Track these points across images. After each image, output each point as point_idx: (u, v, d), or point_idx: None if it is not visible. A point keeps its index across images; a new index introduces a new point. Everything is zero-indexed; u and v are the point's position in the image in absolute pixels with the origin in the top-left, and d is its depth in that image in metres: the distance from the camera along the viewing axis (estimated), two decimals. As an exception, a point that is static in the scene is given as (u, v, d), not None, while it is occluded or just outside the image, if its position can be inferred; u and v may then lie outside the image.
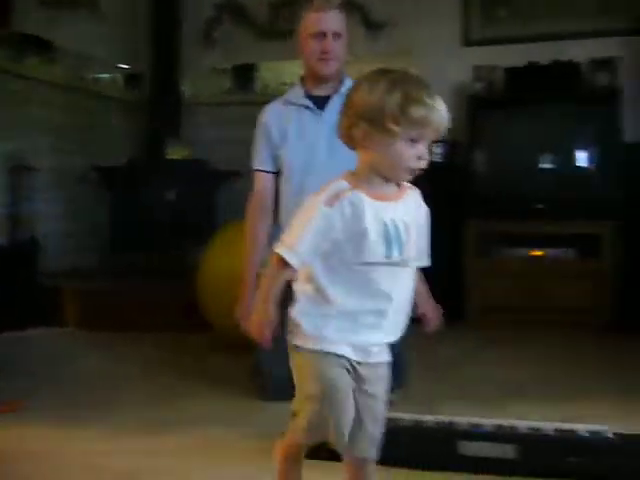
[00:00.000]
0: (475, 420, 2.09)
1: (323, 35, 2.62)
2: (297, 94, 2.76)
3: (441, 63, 4.88)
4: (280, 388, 2.50)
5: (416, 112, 1.32)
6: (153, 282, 4.30)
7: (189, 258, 4.25)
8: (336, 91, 2.69)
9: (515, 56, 4.52)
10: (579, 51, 4.40)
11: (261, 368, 2.68)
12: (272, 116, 2.76)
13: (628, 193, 4.05)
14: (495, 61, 4.55)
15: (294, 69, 5.36)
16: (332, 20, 2.64)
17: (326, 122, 2.61)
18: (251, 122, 5.30)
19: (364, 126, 1.34)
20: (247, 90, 5.45)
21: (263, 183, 2.76)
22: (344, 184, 1.36)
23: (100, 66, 5.27)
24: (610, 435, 1.97)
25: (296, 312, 1.44)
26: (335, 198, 1.34)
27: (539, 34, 4.66)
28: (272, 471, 1.96)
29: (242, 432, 2.31)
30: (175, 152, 4.94)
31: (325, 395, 1.40)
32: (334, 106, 2.64)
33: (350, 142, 1.41)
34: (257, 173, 2.79)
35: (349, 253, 1.35)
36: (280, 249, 1.36)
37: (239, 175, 5.25)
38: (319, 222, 1.34)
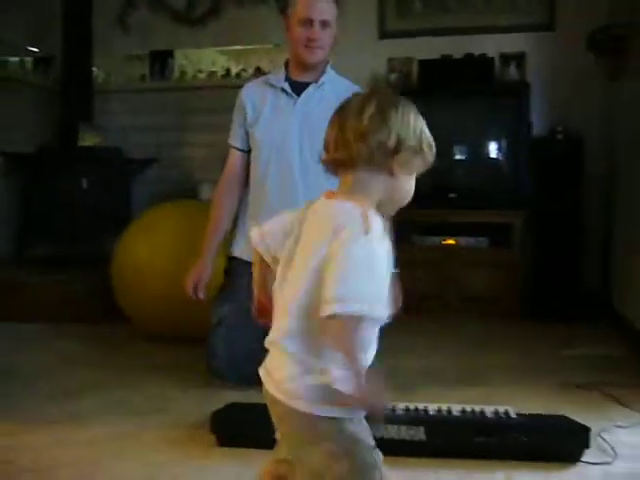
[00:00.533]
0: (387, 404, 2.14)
1: (311, 23, 2.63)
2: (278, 77, 2.78)
3: (357, 55, 4.94)
4: (234, 368, 2.56)
5: (432, 151, 1.32)
6: (65, 272, 4.20)
7: (103, 247, 4.17)
8: (316, 80, 2.72)
9: (429, 49, 4.61)
10: (491, 46, 4.53)
11: (215, 351, 2.70)
12: (249, 94, 2.78)
13: (538, 184, 4.20)
14: (410, 54, 4.63)
15: (211, 56, 5.35)
16: (322, 8, 2.65)
17: (299, 109, 2.67)
18: (167, 109, 5.30)
19: (398, 152, 1.24)
20: (163, 77, 5.37)
21: (233, 159, 2.81)
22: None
23: (8, 49, 5.09)
24: (514, 415, 2.05)
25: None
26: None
27: (453, 28, 4.77)
28: (183, 461, 1.98)
29: (154, 422, 2.30)
30: (87, 139, 4.82)
31: None
32: (310, 95, 2.70)
33: (345, 162, 1.26)
34: (230, 149, 2.83)
35: None
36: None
37: (155, 163, 5.19)
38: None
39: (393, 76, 4.66)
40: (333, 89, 2.68)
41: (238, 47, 5.29)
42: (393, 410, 2.10)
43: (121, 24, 5.38)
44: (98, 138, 4.88)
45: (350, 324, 1.12)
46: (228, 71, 5.29)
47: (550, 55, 4.58)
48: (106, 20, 5.28)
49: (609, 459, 2.01)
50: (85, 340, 3.51)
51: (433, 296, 4.23)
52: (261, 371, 1.27)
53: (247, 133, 2.76)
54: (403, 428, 1.99)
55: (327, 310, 1.11)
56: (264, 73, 5.15)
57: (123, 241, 3.54)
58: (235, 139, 2.80)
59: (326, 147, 1.29)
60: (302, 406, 1.19)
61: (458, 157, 4.42)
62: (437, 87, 4.35)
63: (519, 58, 4.47)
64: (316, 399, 1.18)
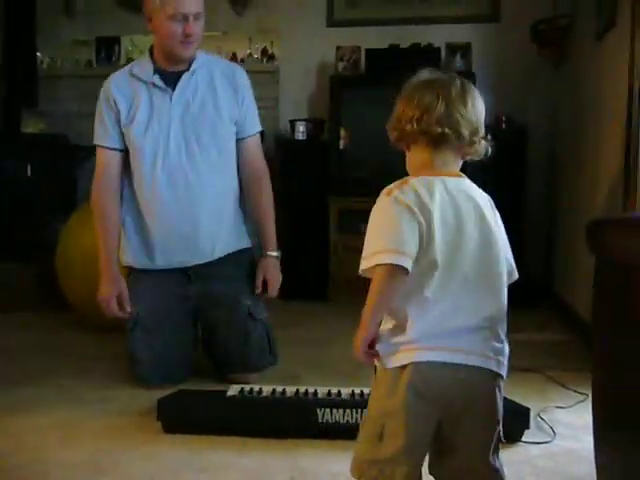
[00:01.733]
0: (332, 389, 2.17)
1: (185, 18, 2.47)
2: (146, 69, 2.59)
3: (306, 43, 4.94)
4: (158, 371, 2.52)
5: None
6: (9, 260, 4.11)
7: (48, 235, 4.09)
8: (187, 68, 2.58)
9: (377, 38, 4.64)
10: (437, 36, 4.57)
11: (136, 356, 2.58)
12: (119, 89, 2.56)
13: (482, 172, 4.26)
14: (358, 42, 4.65)
15: (158, 43, 5.26)
16: (193, 1, 2.49)
17: (177, 102, 2.55)
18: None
19: None
20: (110, 63, 5.28)
21: (108, 160, 2.58)
22: None
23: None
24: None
25: None
26: None
27: (400, 18, 4.80)
28: (129, 448, 1.97)
29: (99, 410, 2.29)
30: (31, 125, 4.72)
31: None
32: (186, 85, 2.57)
33: (446, 139, 1.32)
34: (101, 149, 2.60)
35: None
36: None
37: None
38: None
39: (341, 64, 4.67)
40: (207, 72, 2.59)
41: (186, 34, 5.23)
42: (339, 394, 2.13)
43: (67, 9, 5.28)
44: (42, 124, 4.79)
45: (376, 277, 1.23)
46: (176, 58, 5.22)
47: (495, 45, 4.65)
48: (51, 5, 5.17)
49: (548, 438, 2.08)
50: (29, 328, 3.46)
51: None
52: None
53: (121, 132, 2.56)
54: (348, 412, 2.01)
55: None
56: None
57: (68, 229, 3.49)
58: (107, 139, 2.57)
59: (418, 118, 1.31)
60: None
61: (405, 146, 4.45)
62: (384, 76, 4.36)
63: (465, 48, 4.53)
64: None
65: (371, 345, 1.27)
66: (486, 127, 1.37)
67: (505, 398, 2.13)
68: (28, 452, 1.95)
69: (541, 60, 4.40)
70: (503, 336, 1.29)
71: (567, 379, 2.64)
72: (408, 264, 1.21)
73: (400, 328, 1.25)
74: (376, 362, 1.29)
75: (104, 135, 2.58)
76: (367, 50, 4.52)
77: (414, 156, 1.35)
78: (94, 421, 2.18)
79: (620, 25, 2.89)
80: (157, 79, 2.56)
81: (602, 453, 1.47)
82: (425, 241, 1.23)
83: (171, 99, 2.55)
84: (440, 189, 1.28)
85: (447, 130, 1.29)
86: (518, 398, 2.21)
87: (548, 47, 4.24)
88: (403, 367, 1.25)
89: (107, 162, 2.59)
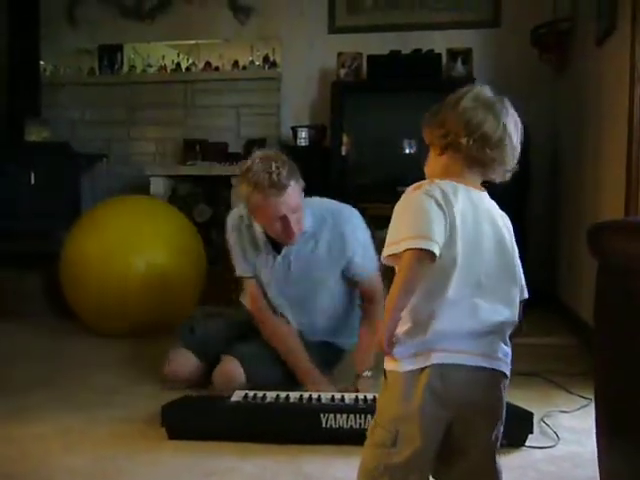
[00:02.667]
0: (336, 395, 2.17)
1: (283, 217, 2.37)
2: (258, 231, 2.55)
3: (308, 49, 4.97)
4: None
5: None
6: (13, 268, 4.13)
7: (52, 243, 4.11)
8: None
9: (378, 45, 4.65)
10: (438, 42, 4.59)
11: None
12: (239, 231, 2.62)
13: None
14: (359, 49, 4.67)
15: (161, 51, 5.30)
16: (289, 200, 2.35)
17: (280, 264, 2.55)
18: (116, 104, 5.24)
19: None
20: (112, 71, 5.31)
21: (253, 288, 2.63)
22: None
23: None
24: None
25: None
26: None
27: (401, 24, 4.82)
28: (133, 454, 1.97)
29: (103, 417, 2.29)
30: (34, 133, 4.74)
31: None
32: (288, 251, 2.53)
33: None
34: (244, 279, 2.66)
35: None
36: None
37: (104, 158, 5.14)
38: None
39: (342, 71, 4.68)
40: (313, 240, 2.53)
41: (188, 41, 5.26)
42: (342, 399, 2.13)
43: (69, 17, 5.30)
44: (45, 132, 4.81)
45: (403, 262, 1.21)
46: (178, 65, 5.25)
47: (496, 51, 4.67)
48: (54, 13, 5.20)
49: (552, 443, 2.07)
50: (33, 336, 3.47)
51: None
52: None
53: (251, 263, 2.60)
54: (352, 417, 2.01)
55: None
56: (215, 68, 5.15)
57: (71, 237, 3.50)
58: (245, 271, 2.62)
59: (477, 138, 1.30)
60: None
61: (407, 151, 4.46)
62: (385, 82, 4.39)
63: (465, 54, 4.54)
64: None
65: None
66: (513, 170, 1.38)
67: (509, 403, 2.14)
68: (32, 459, 1.95)
69: (542, 65, 4.41)
70: (508, 338, 1.30)
71: (571, 384, 2.64)
72: (436, 250, 1.20)
73: (418, 329, 1.24)
74: (386, 366, 1.29)
75: (240, 268, 2.62)
76: (368, 56, 4.53)
77: (445, 162, 1.34)
78: (98, 428, 2.19)
79: (620, 29, 2.89)
80: (269, 246, 2.55)
81: (606, 457, 1.47)
82: (449, 236, 1.23)
83: (273, 262, 2.55)
84: (463, 195, 1.28)
85: (497, 157, 1.31)
86: (522, 402, 2.21)
87: (549, 51, 4.24)
88: (420, 370, 1.24)
89: (251, 288, 2.63)
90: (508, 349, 1.30)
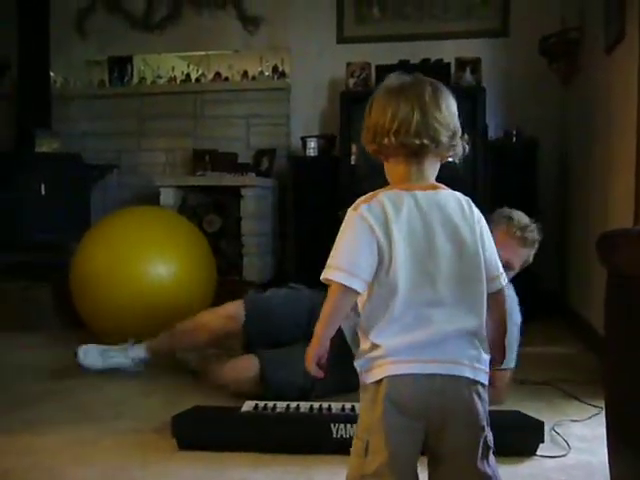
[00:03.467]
0: (346, 404, 2.17)
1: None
2: None
3: (317, 59, 4.99)
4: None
5: None
6: (24, 280, 4.15)
7: (62, 255, 4.13)
8: None
9: (387, 54, 4.66)
10: (447, 51, 4.60)
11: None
12: None
13: (494, 186, 4.26)
14: (368, 59, 4.68)
15: (170, 62, 5.34)
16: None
17: None
18: (126, 115, 5.28)
19: None
20: (122, 83, 5.35)
21: None
22: None
23: (-37, 54, 5.03)
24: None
25: None
26: None
27: (410, 34, 4.84)
28: (143, 465, 1.97)
29: (113, 428, 2.30)
30: (45, 145, 4.77)
31: None
32: None
33: (424, 149, 1.32)
34: None
35: None
36: None
37: (115, 169, 5.17)
38: None
39: (351, 81, 4.70)
40: None
41: (197, 52, 5.30)
42: (353, 409, 2.13)
43: (79, 29, 5.35)
44: (56, 144, 4.84)
45: (330, 291, 1.28)
46: (188, 76, 5.28)
47: (504, 60, 4.67)
48: (64, 25, 5.25)
49: (563, 452, 2.06)
50: (44, 347, 3.48)
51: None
52: None
53: None
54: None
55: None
56: (224, 79, 5.18)
57: (82, 248, 3.51)
58: None
59: (396, 131, 1.29)
60: None
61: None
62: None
63: (474, 63, 4.54)
64: None
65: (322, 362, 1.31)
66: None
67: (519, 412, 2.16)
68: (44, 471, 1.96)
69: (551, 74, 4.41)
70: (479, 343, 1.28)
71: (581, 392, 2.63)
72: (359, 286, 1.24)
73: (373, 344, 1.26)
74: (360, 379, 1.30)
75: None
76: (377, 66, 4.55)
77: (391, 168, 1.35)
78: (109, 438, 2.19)
79: (629, 37, 2.90)
80: None
81: (617, 466, 1.47)
82: (386, 261, 1.25)
83: None
84: (409, 205, 1.27)
85: (426, 141, 1.28)
86: (532, 411, 2.21)
87: (557, 61, 4.25)
88: (379, 382, 1.25)
89: None
90: (477, 353, 1.27)
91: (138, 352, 2.93)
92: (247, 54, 5.20)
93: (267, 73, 5.13)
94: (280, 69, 5.10)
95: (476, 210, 1.33)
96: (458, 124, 1.33)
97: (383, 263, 1.25)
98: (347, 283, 1.24)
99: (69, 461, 2.02)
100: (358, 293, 1.25)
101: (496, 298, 1.34)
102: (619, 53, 3.09)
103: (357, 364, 1.29)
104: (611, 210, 3.21)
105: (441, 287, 1.25)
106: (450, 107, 1.32)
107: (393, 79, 1.34)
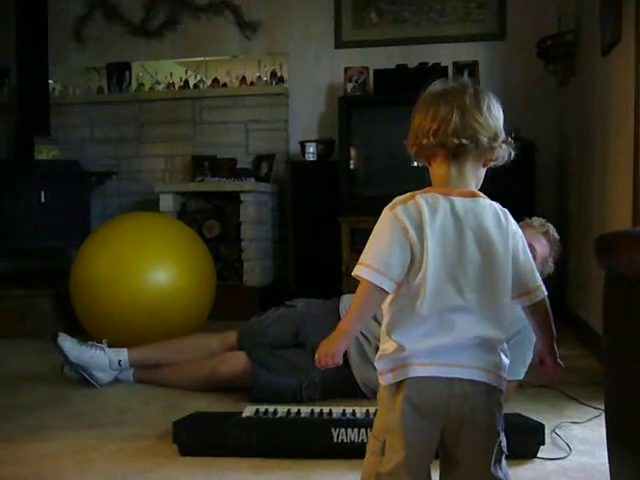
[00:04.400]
0: (347, 409, 2.17)
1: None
2: None
3: (315, 64, 5.00)
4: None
5: None
6: (24, 287, 4.15)
7: (62, 262, 4.14)
8: None
9: (385, 59, 4.69)
10: (444, 55, 4.62)
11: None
12: None
13: (492, 188, 4.26)
14: (366, 63, 4.70)
15: (169, 68, 5.36)
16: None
17: None
18: (125, 121, 5.29)
19: None
20: (121, 89, 5.36)
21: None
22: None
23: (-39, 62, 5.04)
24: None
25: None
26: None
27: (407, 38, 4.86)
28: (144, 471, 1.97)
29: (114, 434, 2.30)
30: (44, 152, 4.78)
31: None
32: None
33: (464, 151, 1.31)
34: None
35: None
36: None
37: (114, 175, 5.18)
38: None
39: (350, 85, 4.71)
40: None
41: (195, 59, 5.31)
42: (354, 414, 2.13)
43: (77, 36, 5.37)
44: (55, 151, 4.85)
45: (360, 288, 1.28)
46: (186, 82, 5.29)
47: (502, 63, 4.69)
48: (62, 33, 5.27)
49: (564, 454, 2.07)
50: (44, 354, 3.47)
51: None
52: None
53: None
54: (363, 431, 2.01)
55: None
56: (223, 84, 5.20)
57: (81, 254, 3.52)
58: None
59: (435, 130, 1.30)
60: None
61: (415, 164, 4.44)
62: (392, 95, 4.40)
63: (472, 66, 4.56)
64: None
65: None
66: (515, 147, 1.37)
67: (520, 414, 2.16)
68: (45, 478, 1.96)
69: (548, 76, 4.42)
70: (501, 349, 1.30)
71: (582, 394, 2.63)
72: (389, 287, 1.25)
73: (397, 346, 1.27)
74: (378, 380, 1.32)
75: None
76: (375, 71, 4.56)
77: (434, 171, 1.35)
78: (110, 445, 2.19)
79: (625, 39, 2.90)
80: None
81: (617, 468, 1.47)
82: (417, 263, 1.25)
83: None
84: (445, 209, 1.28)
85: (464, 140, 1.28)
86: (533, 414, 2.22)
87: (554, 63, 4.26)
88: (400, 383, 1.27)
89: None
90: (499, 360, 1.29)
91: (120, 355, 2.89)
92: (245, 60, 5.22)
93: (265, 78, 5.14)
94: (278, 74, 5.11)
95: (513, 222, 1.33)
96: (501, 127, 1.32)
97: (414, 265, 1.26)
98: (377, 282, 1.25)
99: (71, 468, 2.02)
100: (387, 293, 1.26)
101: (538, 308, 1.36)
102: (615, 56, 3.10)
103: (378, 364, 1.30)
104: (609, 212, 3.22)
105: (467, 294, 1.26)
106: (492, 109, 1.31)
107: (437, 84, 1.36)
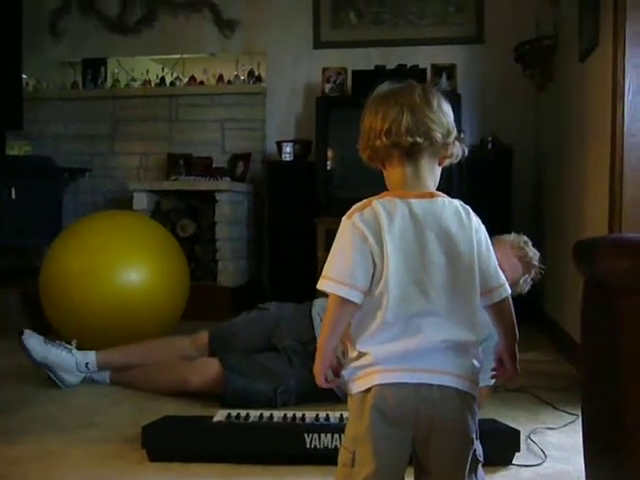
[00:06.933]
0: (320, 413, 2.14)
1: None
2: None
3: (292, 64, 4.97)
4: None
5: None
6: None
7: (33, 259, 4.07)
8: None
9: (364, 60, 4.67)
10: (423, 57, 4.61)
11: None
12: None
13: (469, 192, 4.26)
14: (344, 64, 4.67)
15: (145, 65, 5.29)
16: None
17: None
18: (100, 118, 5.22)
19: None
20: (96, 85, 5.28)
21: None
22: None
23: None
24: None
25: None
26: None
27: (386, 40, 4.84)
28: (113, 477, 1.93)
29: (83, 437, 2.25)
30: (16, 147, 4.70)
31: None
32: None
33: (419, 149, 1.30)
34: None
35: None
36: None
37: (87, 172, 5.10)
38: None
39: (327, 86, 4.69)
40: None
41: (173, 56, 5.25)
42: (327, 419, 2.10)
43: (52, 31, 5.28)
44: (27, 147, 4.77)
45: (329, 304, 1.26)
46: (162, 79, 5.23)
47: (480, 66, 4.69)
48: (37, 26, 5.18)
49: (539, 461, 2.05)
50: (10, 355, 3.40)
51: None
52: None
53: None
54: (336, 437, 1.98)
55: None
56: (199, 82, 5.14)
57: (52, 252, 3.45)
58: None
59: (387, 130, 1.27)
60: None
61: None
62: (367, 98, 4.38)
63: (450, 69, 4.56)
64: None
65: (336, 372, 1.28)
66: (472, 147, 1.35)
67: (495, 420, 2.14)
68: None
69: (525, 81, 4.43)
70: (473, 353, 1.27)
71: (557, 399, 2.63)
72: (357, 298, 1.22)
73: (360, 353, 1.24)
74: (348, 389, 1.28)
75: None
76: (353, 71, 4.54)
77: (388, 175, 1.33)
78: (77, 449, 2.14)
79: (603, 45, 2.91)
80: None
81: (593, 475, 1.46)
82: (379, 270, 1.22)
83: None
84: (403, 213, 1.25)
85: (418, 138, 1.25)
86: (508, 419, 2.21)
87: (532, 68, 4.27)
88: (367, 391, 1.23)
89: None
90: (470, 364, 1.26)
91: (87, 357, 2.84)
92: (223, 58, 5.17)
93: (243, 77, 5.09)
94: (256, 73, 5.07)
95: (475, 219, 1.29)
96: (453, 123, 1.30)
97: (375, 272, 1.23)
98: (345, 295, 1.22)
99: (37, 473, 1.97)
100: (357, 305, 1.23)
101: (500, 308, 1.32)
102: (593, 61, 3.10)
103: (345, 373, 1.27)
104: (585, 216, 3.22)
105: (433, 297, 1.23)
106: (442, 106, 1.30)
107: (385, 85, 1.34)
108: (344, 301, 1.23)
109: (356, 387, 1.25)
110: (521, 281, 2.53)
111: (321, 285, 1.25)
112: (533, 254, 2.57)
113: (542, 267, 2.59)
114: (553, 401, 2.62)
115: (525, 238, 2.61)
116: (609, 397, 1.34)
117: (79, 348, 2.87)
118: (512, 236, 2.59)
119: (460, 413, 1.24)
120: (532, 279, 2.57)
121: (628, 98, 2.61)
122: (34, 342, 2.78)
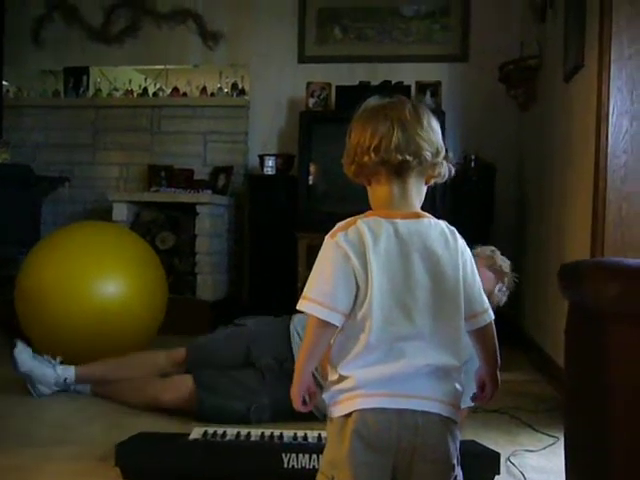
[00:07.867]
0: (299, 432, 2.11)
1: None
2: None
3: (276, 78, 4.96)
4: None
5: None
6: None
7: (10, 269, 4.00)
8: None
9: (348, 75, 4.66)
10: (408, 74, 4.61)
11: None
12: None
13: (452, 210, 4.26)
14: (329, 79, 4.67)
15: (128, 75, 5.25)
16: None
17: None
18: (80, 127, 5.16)
19: None
20: (77, 94, 5.23)
21: None
22: None
23: None
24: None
25: None
26: None
27: (371, 56, 4.84)
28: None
29: (56, 454, 2.19)
30: (-6, 155, 4.64)
31: None
32: None
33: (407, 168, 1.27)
34: None
35: None
36: None
37: (67, 182, 5.04)
38: None
39: (311, 100, 4.68)
40: None
41: (156, 66, 5.22)
42: (305, 438, 2.07)
43: (35, 39, 5.23)
44: (6, 154, 4.70)
45: (308, 325, 1.23)
46: (145, 90, 5.19)
47: (464, 85, 4.70)
48: (19, 34, 5.13)
49: (519, 484, 2.03)
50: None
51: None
52: None
53: None
54: (314, 457, 1.95)
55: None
56: (182, 94, 5.11)
57: (28, 262, 3.39)
58: None
59: (376, 147, 1.24)
60: None
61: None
62: (354, 113, 4.37)
63: (435, 86, 4.56)
64: None
65: (312, 395, 1.25)
66: (455, 165, 1.33)
67: (475, 442, 2.12)
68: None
69: (509, 100, 4.44)
70: (456, 377, 1.25)
71: (536, 421, 2.61)
72: (338, 321, 1.20)
73: (343, 376, 1.22)
74: (327, 412, 1.26)
75: None
76: (337, 87, 4.53)
77: (373, 192, 1.30)
78: (50, 465, 2.08)
79: (588, 66, 2.92)
80: None
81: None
82: (362, 291, 1.20)
83: None
84: (388, 233, 1.22)
85: (408, 156, 1.22)
86: (487, 441, 2.18)
87: (516, 87, 4.28)
88: (348, 416, 1.20)
89: None
90: (453, 389, 1.24)
91: (66, 372, 2.84)
92: (206, 70, 5.15)
93: (226, 90, 5.07)
94: (240, 86, 5.05)
95: (461, 241, 1.27)
96: (442, 142, 1.27)
97: (359, 294, 1.20)
98: (325, 318, 1.19)
99: (5, 489, 1.92)
100: (337, 327, 1.20)
101: (484, 333, 1.30)
102: (577, 82, 3.11)
103: (324, 396, 1.25)
104: (567, 237, 3.22)
105: (417, 321, 1.20)
106: (432, 124, 1.27)
107: (373, 100, 1.30)
108: (324, 323, 1.20)
109: (337, 411, 1.22)
110: (496, 290, 2.50)
111: (301, 306, 1.22)
112: (502, 261, 2.54)
113: (516, 275, 2.57)
114: (533, 423, 2.60)
115: (492, 247, 2.58)
116: (593, 424, 1.32)
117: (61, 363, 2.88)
118: (478, 248, 2.55)
119: (442, 440, 1.22)
120: (507, 288, 2.54)
121: (612, 120, 2.62)
122: (24, 357, 2.83)
